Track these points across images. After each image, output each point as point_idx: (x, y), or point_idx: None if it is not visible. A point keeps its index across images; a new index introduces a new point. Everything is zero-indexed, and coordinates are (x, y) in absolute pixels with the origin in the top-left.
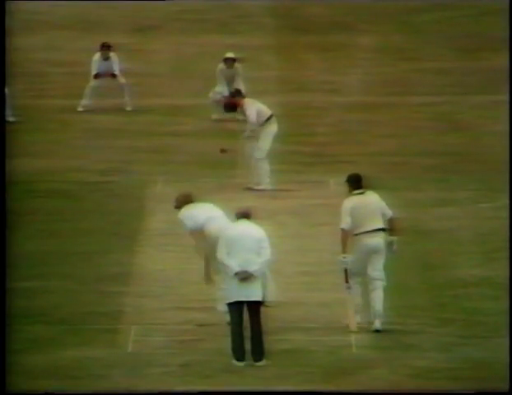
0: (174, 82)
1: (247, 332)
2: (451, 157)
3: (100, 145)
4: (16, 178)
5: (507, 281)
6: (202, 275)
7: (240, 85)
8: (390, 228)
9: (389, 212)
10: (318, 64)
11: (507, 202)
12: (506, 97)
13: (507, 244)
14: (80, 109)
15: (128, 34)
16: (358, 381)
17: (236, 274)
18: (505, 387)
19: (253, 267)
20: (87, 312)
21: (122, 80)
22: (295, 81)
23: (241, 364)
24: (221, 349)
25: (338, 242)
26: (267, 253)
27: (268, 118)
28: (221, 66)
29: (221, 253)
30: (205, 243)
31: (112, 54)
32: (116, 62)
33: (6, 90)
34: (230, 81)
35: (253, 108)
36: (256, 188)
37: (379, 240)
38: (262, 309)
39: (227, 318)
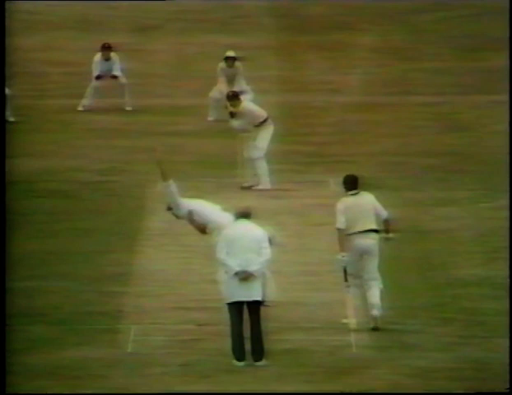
0: (174, 82)
1: (247, 332)
2: (451, 157)
3: (100, 145)
4: (16, 178)
5: (507, 281)
6: (202, 275)
7: (242, 84)
8: (386, 229)
9: (384, 213)
10: (318, 64)
11: (507, 202)
12: (506, 97)
13: (507, 244)
14: (80, 108)
15: (128, 34)
16: (358, 381)
17: (236, 274)
18: (504, 387)
19: (253, 266)
20: (87, 312)
21: (123, 80)
22: (295, 81)
23: (241, 364)
24: (221, 349)
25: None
26: (266, 253)
27: (265, 120)
28: (222, 65)
29: (221, 253)
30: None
31: (113, 55)
32: (117, 63)
33: (7, 90)
34: (230, 79)
35: (251, 114)
36: (256, 187)
37: (370, 241)
38: (262, 309)
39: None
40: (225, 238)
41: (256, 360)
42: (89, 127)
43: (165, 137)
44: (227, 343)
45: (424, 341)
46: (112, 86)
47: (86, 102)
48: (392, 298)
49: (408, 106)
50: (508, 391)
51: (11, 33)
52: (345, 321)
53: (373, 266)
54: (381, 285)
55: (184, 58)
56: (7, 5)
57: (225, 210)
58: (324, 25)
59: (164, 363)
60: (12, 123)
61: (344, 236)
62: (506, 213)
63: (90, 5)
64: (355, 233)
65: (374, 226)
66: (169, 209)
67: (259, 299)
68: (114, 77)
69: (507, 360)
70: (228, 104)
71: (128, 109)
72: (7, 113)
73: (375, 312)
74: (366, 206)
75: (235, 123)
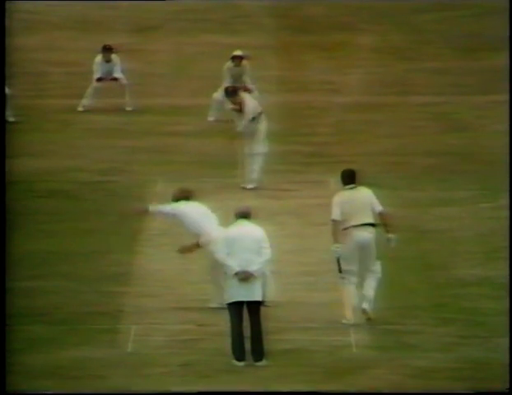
0: (174, 82)
1: (247, 332)
2: (451, 157)
3: (100, 145)
4: (16, 178)
5: (507, 281)
6: (202, 275)
7: (247, 84)
8: (382, 223)
9: (379, 207)
10: (318, 64)
11: (507, 202)
12: (506, 97)
13: (507, 244)
14: (80, 108)
15: (128, 34)
16: (358, 381)
17: (236, 274)
18: (504, 387)
19: (253, 266)
20: (87, 312)
21: (123, 81)
22: (295, 81)
23: (241, 364)
24: (221, 349)
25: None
26: (266, 253)
27: (261, 112)
28: (229, 64)
29: (221, 253)
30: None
31: (113, 56)
32: (118, 65)
33: (7, 90)
34: (237, 79)
35: (251, 103)
36: (248, 186)
37: (367, 234)
38: (262, 309)
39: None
40: (225, 238)
41: (256, 360)
42: (89, 127)
43: (165, 137)
44: (227, 343)
45: (424, 341)
46: (112, 86)
47: (85, 102)
48: (392, 298)
49: (408, 106)
50: (508, 391)
51: (11, 33)
52: (345, 321)
53: (370, 259)
54: (379, 275)
55: (184, 58)
56: (7, 5)
57: (225, 210)
58: (324, 25)
59: (164, 363)
60: (12, 123)
61: (338, 228)
62: (506, 213)
63: (90, 5)
64: (351, 226)
65: (370, 220)
66: None
67: (259, 299)
68: (115, 79)
69: (507, 360)
70: (229, 100)
71: (128, 109)
72: (7, 113)
73: (365, 305)
74: (363, 200)
75: (241, 125)
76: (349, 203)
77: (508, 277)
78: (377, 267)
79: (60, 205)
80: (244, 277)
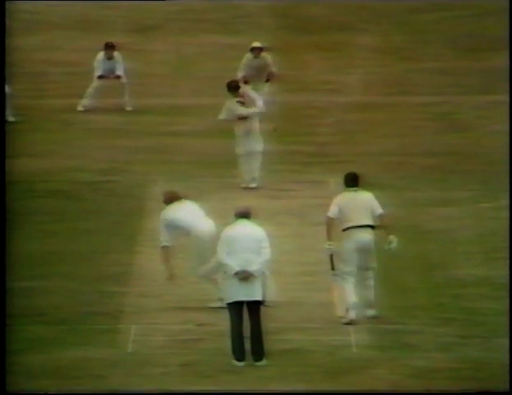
0: (174, 82)
1: (247, 332)
2: (451, 157)
3: (100, 145)
4: (16, 178)
5: (507, 281)
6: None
7: (275, 74)
8: (382, 225)
9: (380, 210)
10: (318, 64)
11: (507, 202)
12: (506, 97)
13: (507, 244)
14: (80, 108)
15: (128, 34)
16: (358, 381)
17: (236, 274)
18: (504, 387)
19: (253, 266)
20: (87, 312)
21: (124, 80)
22: (295, 81)
23: (241, 364)
24: (221, 349)
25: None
26: (266, 253)
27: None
28: (248, 55)
29: (221, 253)
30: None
31: (116, 54)
32: (120, 62)
33: (7, 90)
34: (258, 71)
35: (252, 94)
36: (251, 185)
37: (366, 236)
38: (262, 309)
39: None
40: (225, 238)
41: (256, 360)
42: (89, 127)
43: (165, 137)
44: (227, 343)
45: (424, 341)
46: (112, 86)
47: (86, 102)
48: (392, 298)
49: (408, 106)
50: (508, 391)
51: (11, 33)
52: (344, 321)
53: (369, 260)
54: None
55: (184, 58)
56: (7, 5)
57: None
58: (324, 25)
59: (164, 363)
60: (12, 122)
61: (332, 225)
62: (506, 213)
63: (90, 5)
64: (350, 227)
65: (369, 222)
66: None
67: (259, 299)
68: (118, 77)
69: (507, 360)
70: (232, 95)
71: (128, 109)
72: (7, 112)
73: (371, 312)
74: (363, 202)
75: (245, 111)
76: (349, 204)
77: (508, 277)
78: (374, 264)
79: (60, 205)
80: (244, 277)
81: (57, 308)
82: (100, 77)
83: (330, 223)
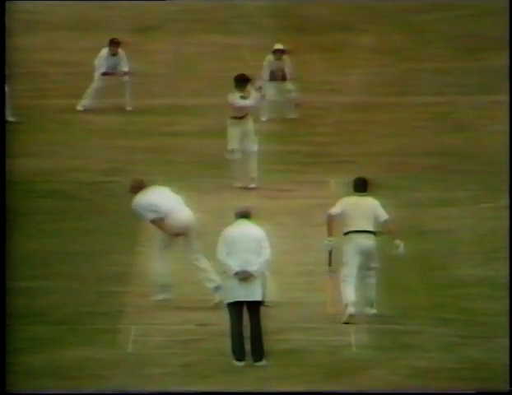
0: (174, 82)
1: (247, 332)
2: (451, 157)
3: (100, 145)
4: (16, 178)
5: (507, 281)
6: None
7: (289, 79)
8: (388, 231)
9: (384, 216)
10: (319, 64)
11: (507, 202)
12: (506, 97)
13: (507, 244)
14: (79, 108)
15: (128, 34)
16: (358, 381)
17: (236, 274)
18: (505, 387)
19: (253, 266)
20: (87, 312)
21: (126, 78)
22: (296, 81)
23: (241, 364)
24: (221, 349)
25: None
26: (266, 253)
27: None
28: (269, 57)
29: (221, 253)
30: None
31: (120, 50)
32: (124, 59)
33: (7, 90)
34: (276, 72)
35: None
36: (250, 185)
37: (367, 241)
38: (262, 309)
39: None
40: (224, 238)
41: (256, 360)
42: (89, 127)
43: (165, 137)
44: (227, 343)
45: (424, 341)
46: (113, 86)
47: (85, 102)
48: (392, 298)
49: (408, 106)
50: (508, 391)
51: (11, 33)
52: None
53: (369, 261)
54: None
55: (184, 58)
56: (7, 5)
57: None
58: (324, 25)
59: (164, 363)
60: (12, 122)
61: (332, 222)
62: (506, 213)
63: (90, 5)
64: (352, 231)
65: (370, 228)
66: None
67: (259, 299)
68: (124, 74)
69: (507, 360)
70: (237, 88)
71: (128, 108)
72: (7, 113)
73: (370, 310)
74: (367, 208)
75: (248, 101)
76: (353, 208)
77: (508, 277)
78: (376, 265)
79: (60, 205)
80: (244, 277)
81: (57, 308)
82: (103, 74)
83: (330, 220)
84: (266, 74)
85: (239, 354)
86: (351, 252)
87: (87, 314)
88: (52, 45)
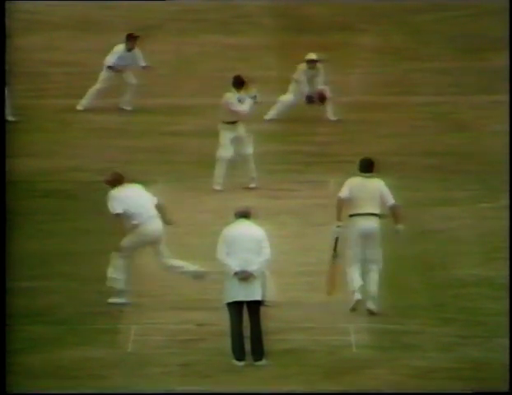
0: (174, 82)
1: (247, 332)
2: (451, 157)
3: (100, 145)
4: (16, 178)
5: (507, 281)
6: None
7: (320, 86)
8: (392, 215)
9: (391, 200)
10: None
11: (507, 202)
12: (506, 97)
13: (507, 244)
14: (79, 107)
15: None
16: (358, 381)
17: (236, 274)
18: (504, 387)
19: (253, 266)
20: (87, 312)
21: (132, 80)
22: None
23: (241, 364)
24: (221, 349)
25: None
26: (266, 253)
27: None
28: (303, 66)
29: (221, 253)
30: (130, 234)
31: (136, 46)
32: (140, 54)
33: (6, 89)
34: (310, 81)
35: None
36: (250, 185)
37: (371, 224)
38: (262, 309)
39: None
40: (224, 238)
41: (256, 360)
42: (89, 127)
43: (165, 137)
44: (227, 343)
45: (424, 341)
46: (113, 86)
47: (85, 102)
48: (392, 298)
49: (408, 106)
50: (508, 391)
51: (11, 33)
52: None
53: (373, 248)
54: (380, 266)
55: (184, 58)
56: (7, 5)
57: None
58: (324, 25)
59: (164, 363)
60: (12, 122)
61: (342, 206)
62: (506, 213)
63: (90, 5)
64: (356, 214)
65: (375, 211)
66: None
67: (259, 299)
68: (144, 67)
69: (507, 360)
70: (235, 89)
71: (128, 108)
72: (7, 112)
73: (370, 305)
74: (373, 190)
75: (243, 107)
76: (358, 190)
77: (508, 277)
78: (379, 256)
79: (60, 205)
80: (244, 277)
81: (57, 308)
82: (117, 71)
83: (340, 204)
84: (303, 84)
85: (239, 354)
86: (354, 236)
87: (87, 314)
88: (52, 45)
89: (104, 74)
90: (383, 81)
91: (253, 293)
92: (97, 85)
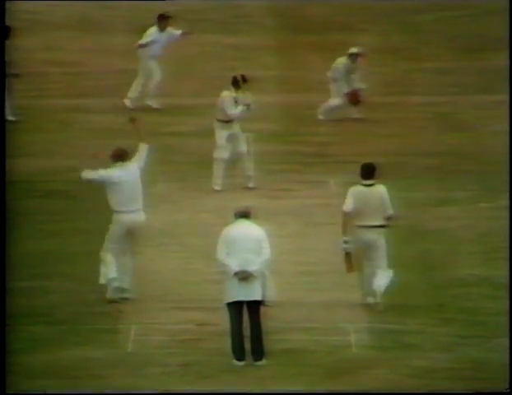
0: (174, 82)
1: (247, 332)
2: (451, 157)
3: (100, 145)
4: (16, 178)
5: (507, 281)
6: (202, 275)
7: (355, 81)
8: (388, 225)
9: (389, 211)
10: (319, 64)
11: (507, 202)
12: (506, 97)
13: (507, 244)
14: (127, 103)
15: (128, 34)
16: (358, 381)
17: (236, 274)
18: (504, 387)
19: (253, 266)
20: (87, 312)
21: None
22: (295, 81)
23: (241, 364)
24: (221, 349)
25: (339, 242)
26: (266, 253)
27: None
28: (343, 60)
29: (221, 253)
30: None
31: (169, 27)
32: (173, 30)
33: (6, 89)
34: (347, 78)
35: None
36: (249, 185)
37: (372, 236)
38: (262, 309)
39: None
40: (224, 238)
41: (256, 360)
42: (89, 127)
43: (165, 137)
44: (227, 343)
45: (424, 341)
46: (113, 86)
47: (133, 95)
48: (392, 298)
49: (408, 106)
50: (508, 391)
51: (11, 33)
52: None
53: (378, 257)
54: (390, 274)
55: (184, 58)
56: (7, 5)
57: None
58: (324, 25)
59: (164, 363)
60: (12, 122)
61: (348, 219)
62: (506, 213)
63: (90, 5)
64: (359, 226)
65: (378, 222)
66: None
67: (259, 299)
68: (183, 34)
69: (507, 360)
70: (233, 89)
71: (155, 106)
72: (7, 112)
73: (370, 299)
74: (375, 200)
75: (235, 111)
76: (361, 201)
77: (508, 277)
78: (384, 265)
79: (60, 205)
80: (244, 277)
81: (57, 308)
82: (153, 57)
83: (346, 217)
84: (337, 76)
85: (239, 354)
86: (358, 243)
87: (87, 314)
88: (52, 45)
89: (144, 65)
90: (383, 81)
91: (253, 293)
92: (145, 70)
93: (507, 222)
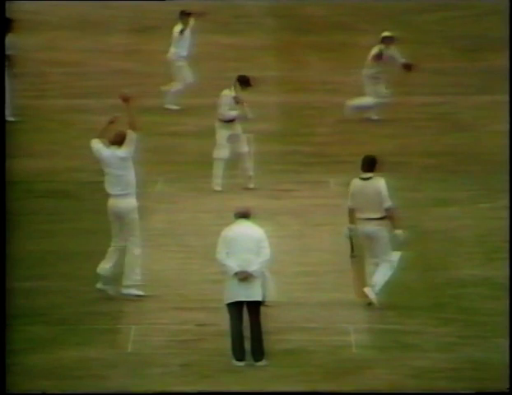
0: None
1: (247, 332)
2: (451, 157)
3: None
4: (16, 178)
5: (507, 281)
6: (202, 275)
7: (402, 62)
8: (389, 218)
9: (387, 203)
10: (319, 64)
11: (507, 202)
12: (506, 97)
13: (507, 244)
14: (168, 106)
15: (128, 34)
16: (358, 381)
17: (236, 274)
18: (504, 387)
19: (253, 267)
20: (87, 312)
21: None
22: (295, 81)
23: (241, 364)
24: (221, 349)
25: (339, 242)
26: (266, 253)
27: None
28: (380, 47)
29: (221, 254)
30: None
31: (191, 22)
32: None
33: (6, 89)
34: (384, 63)
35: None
36: (250, 186)
37: (372, 228)
38: (262, 309)
39: None
40: (224, 238)
41: (256, 360)
42: (89, 127)
43: (165, 137)
44: (227, 343)
45: (424, 341)
46: (114, 86)
47: (170, 100)
48: (392, 298)
49: (408, 106)
50: (508, 391)
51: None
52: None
53: (380, 250)
54: (394, 264)
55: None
56: (7, 5)
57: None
58: (324, 25)
59: (164, 363)
60: (12, 122)
61: (353, 213)
62: (506, 213)
63: (90, 5)
64: (360, 219)
65: (376, 215)
66: None
67: (259, 299)
68: (200, 15)
69: (507, 360)
70: (238, 88)
71: (174, 108)
72: (7, 112)
73: (367, 290)
74: (373, 194)
75: (233, 113)
76: (359, 195)
77: (508, 277)
78: (392, 257)
79: (60, 205)
80: (244, 277)
81: (57, 308)
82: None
83: (350, 211)
84: (371, 80)
85: (239, 354)
86: (360, 236)
87: (87, 314)
88: (52, 45)
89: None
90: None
91: (253, 293)
92: (177, 69)
93: (507, 222)
